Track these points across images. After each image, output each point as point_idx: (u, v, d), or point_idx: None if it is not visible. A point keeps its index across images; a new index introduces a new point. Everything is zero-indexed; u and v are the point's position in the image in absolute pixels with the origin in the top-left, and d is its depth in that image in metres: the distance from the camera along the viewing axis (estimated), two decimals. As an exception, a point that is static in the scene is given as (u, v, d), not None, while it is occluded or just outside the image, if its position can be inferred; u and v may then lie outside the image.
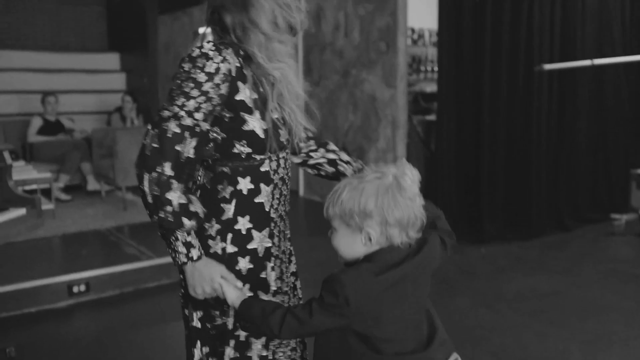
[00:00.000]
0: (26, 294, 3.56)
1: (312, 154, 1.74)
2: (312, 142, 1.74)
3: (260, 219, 1.52)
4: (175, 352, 2.68)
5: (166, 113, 1.38)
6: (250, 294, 1.50)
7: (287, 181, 1.60)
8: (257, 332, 1.44)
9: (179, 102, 1.39)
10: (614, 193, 5.64)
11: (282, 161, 1.56)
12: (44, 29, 8.29)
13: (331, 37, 6.10)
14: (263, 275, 1.54)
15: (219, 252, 1.49)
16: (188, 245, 1.41)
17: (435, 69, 8.02)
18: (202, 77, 1.40)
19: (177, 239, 1.40)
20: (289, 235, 1.65)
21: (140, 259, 4.16)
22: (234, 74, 1.44)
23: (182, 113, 1.38)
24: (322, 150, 1.74)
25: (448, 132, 5.11)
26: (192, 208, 1.41)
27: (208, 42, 1.46)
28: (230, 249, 1.50)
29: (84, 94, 7.78)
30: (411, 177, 1.33)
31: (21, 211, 3.17)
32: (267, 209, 1.53)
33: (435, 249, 1.40)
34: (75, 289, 3.69)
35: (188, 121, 1.38)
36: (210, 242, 1.50)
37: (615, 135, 5.63)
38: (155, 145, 1.36)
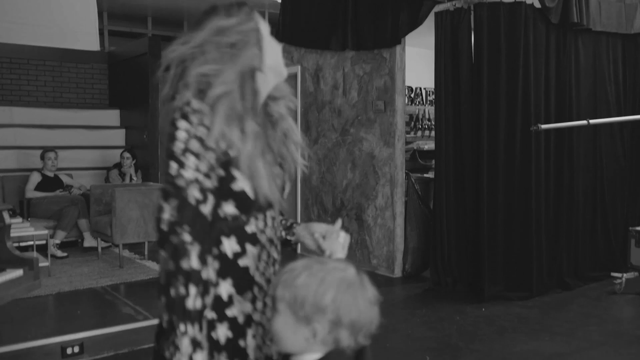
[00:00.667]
0: (19, 356, 3.48)
1: None
2: None
3: (244, 282, 1.44)
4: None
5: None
6: None
7: (275, 242, 1.53)
8: None
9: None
10: (613, 251, 5.62)
11: (269, 220, 1.49)
12: (46, 86, 8.42)
13: (330, 95, 6.20)
14: (242, 344, 1.45)
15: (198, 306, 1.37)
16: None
17: (433, 126, 8.16)
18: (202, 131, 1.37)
19: None
20: None
21: (137, 319, 4.10)
22: None
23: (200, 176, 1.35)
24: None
25: (446, 191, 5.14)
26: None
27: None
28: (210, 314, 1.40)
29: (83, 150, 7.85)
30: (343, 240, 1.30)
31: (18, 272, 3.15)
32: (251, 273, 1.45)
33: None
34: (69, 351, 3.60)
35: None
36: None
37: (612, 193, 5.66)
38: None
